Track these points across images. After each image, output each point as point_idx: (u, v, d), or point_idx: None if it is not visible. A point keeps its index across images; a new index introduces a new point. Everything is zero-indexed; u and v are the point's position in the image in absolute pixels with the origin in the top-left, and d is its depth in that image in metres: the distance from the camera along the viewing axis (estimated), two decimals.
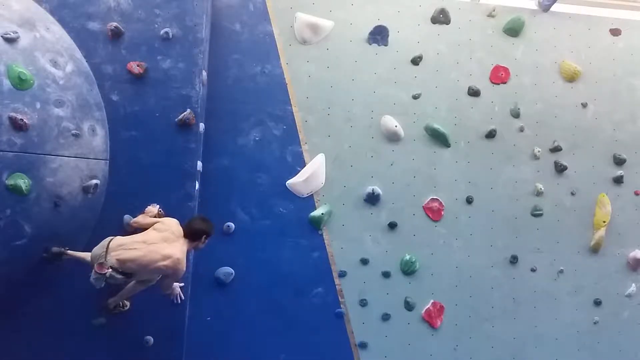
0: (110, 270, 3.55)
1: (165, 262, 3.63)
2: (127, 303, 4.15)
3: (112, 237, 3.70)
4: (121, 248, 3.62)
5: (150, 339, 4.17)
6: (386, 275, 4.89)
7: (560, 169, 5.26)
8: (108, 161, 4.10)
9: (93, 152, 3.98)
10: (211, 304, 4.56)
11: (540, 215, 5.21)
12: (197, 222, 3.91)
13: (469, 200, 5.08)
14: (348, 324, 4.80)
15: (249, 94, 4.77)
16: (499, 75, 5.21)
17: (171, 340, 4.23)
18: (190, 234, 3.83)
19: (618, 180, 5.38)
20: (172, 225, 3.83)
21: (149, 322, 4.18)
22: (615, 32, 5.49)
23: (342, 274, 4.81)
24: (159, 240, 3.71)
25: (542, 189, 5.21)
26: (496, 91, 5.20)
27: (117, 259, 3.57)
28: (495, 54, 5.22)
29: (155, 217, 4.04)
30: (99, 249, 3.65)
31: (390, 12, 5.05)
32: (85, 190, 3.92)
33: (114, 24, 4.17)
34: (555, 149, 5.26)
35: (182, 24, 4.31)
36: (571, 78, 5.35)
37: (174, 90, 4.28)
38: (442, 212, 5.04)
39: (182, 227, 3.84)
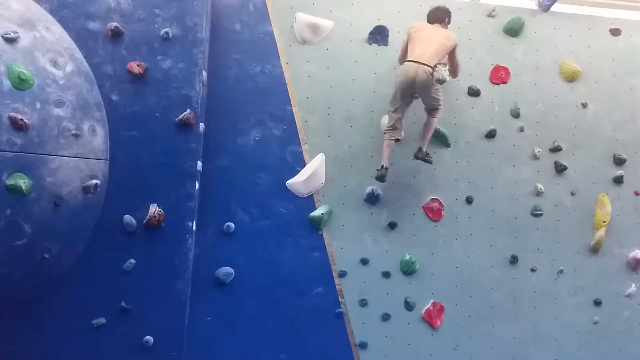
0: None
1: (451, 42, 4.56)
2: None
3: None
4: (420, 56, 4.38)
5: (150, 339, 4.17)
6: (386, 275, 4.90)
7: (560, 169, 5.26)
8: (108, 161, 4.10)
9: (93, 152, 3.98)
10: (211, 304, 4.55)
11: (540, 215, 5.21)
12: (434, 10, 4.72)
13: (469, 200, 5.08)
14: (348, 324, 4.80)
15: (249, 94, 4.77)
16: (499, 75, 5.21)
17: (171, 340, 4.23)
18: (435, 19, 4.67)
19: (618, 180, 5.38)
20: (420, 24, 4.64)
21: (149, 322, 4.18)
22: (615, 32, 5.49)
23: (342, 274, 4.81)
24: (425, 35, 4.52)
25: (542, 189, 5.21)
26: (496, 91, 5.20)
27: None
28: (495, 54, 5.22)
29: None
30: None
31: (390, 12, 5.06)
32: (85, 190, 3.92)
33: (114, 24, 4.17)
34: (555, 149, 5.26)
35: (182, 24, 4.32)
36: (571, 78, 5.35)
37: (174, 90, 4.29)
38: (442, 212, 5.04)
39: (428, 17, 4.70)
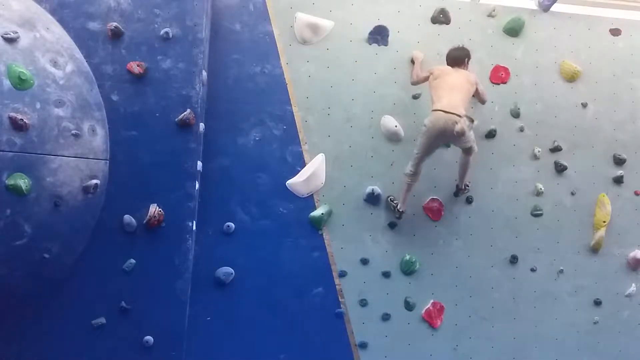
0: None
1: (473, 85, 4.64)
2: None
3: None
4: (448, 105, 4.39)
5: (150, 339, 4.17)
6: (386, 275, 4.90)
7: (560, 169, 5.26)
8: (108, 161, 4.10)
9: (93, 152, 3.98)
10: (211, 304, 4.55)
11: (540, 215, 5.21)
12: (454, 52, 4.75)
13: (469, 200, 5.08)
14: (348, 324, 4.80)
15: (249, 94, 4.77)
16: (499, 75, 5.21)
17: (171, 340, 4.23)
18: (455, 62, 4.69)
19: (618, 180, 5.38)
20: (442, 69, 4.66)
21: (149, 322, 4.18)
22: (615, 32, 5.49)
23: (342, 274, 4.81)
24: (450, 81, 4.54)
25: (542, 189, 5.21)
26: (496, 91, 5.20)
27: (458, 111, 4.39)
28: (495, 54, 5.22)
29: None
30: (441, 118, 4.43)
31: (390, 12, 5.05)
32: (85, 190, 3.92)
33: (114, 24, 4.17)
34: (555, 149, 5.26)
35: (182, 24, 4.31)
36: (571, 78, 5.35)
37: (174, 90, 4.28)
38: (442, 212, 5.04)
39: (448, 60, 4.73)
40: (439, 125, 4.44)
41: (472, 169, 4.82)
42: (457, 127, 4.36)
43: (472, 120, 4.53)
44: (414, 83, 4.86)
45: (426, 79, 4.73)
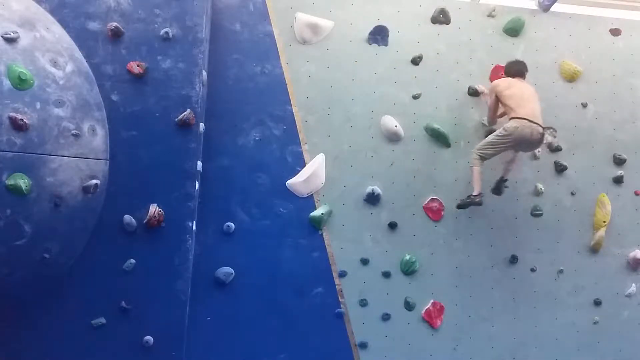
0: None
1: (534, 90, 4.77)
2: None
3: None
4: (533, 115, 4.50)
5: (150, 339, 4.17)
6: (386, 275, 4.90)
7: (560, 169, 5.26)
8: (108, 161, 4.09)
9: (93, 152, 3.98)
10: (211, 304, 4.55)
11: (540, 215, 5.21)
12: (516, 65, 4.88)
13: None
14: (348, 324, 4.80)
15: (249, 94, 4.77)
16: (499, 75, 5.19)
17: (171, 340, 4.23)
18: (518, 74, 4.83)
19: (618, 180, 5.38)
20: (508, 80, 4.77)
21: (149, 322, 4.18)
22: (615, 32, 5.49)
23: (342, 274, 4.81)
24: (524, 91, 4.67)
25: (542, 189, 5.21)
26: None
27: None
28: (495, 54, 5.22)
29: None
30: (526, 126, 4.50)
31: (390, 12, 5.05)
32: (85, 190, 3.92)
33: (114, 24, 4.17)
34: (555, 149, 5.26)
35: (182, 24, 4.31)
36: (571, 78, 5.35)
37: (174, 90, 4.28)
38: (442, 212, 5.04)
39: (511, 72, 4.85)
40: (524, 133, 4.50)
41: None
42: (548, 139, 4.58)
43: (554, 132, 4.66)
44: (493, 120, 4.91)
45: (496, 100, 4.78)
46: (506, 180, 4.95)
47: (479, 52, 5.18)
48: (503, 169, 4.96)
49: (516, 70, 4.87)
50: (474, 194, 4.74)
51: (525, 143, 4.61)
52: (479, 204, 4.77)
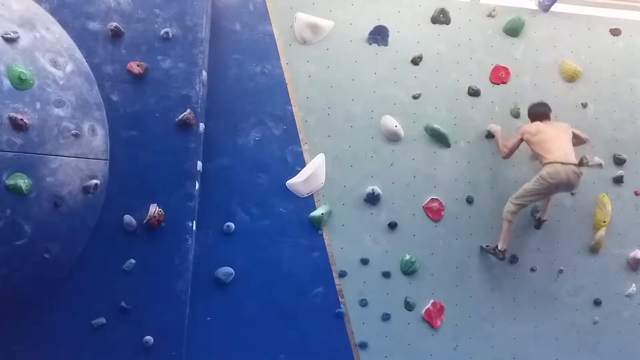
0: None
1: (569, 129, 4.82)
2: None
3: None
4: (565, 157, 4.54)
5: (150, 339, 4.17)
6: (386, 275, 4.89)
7: None
8: (108, 161, 4.10)
9: (93, 152, 3.98)
10: (211, 304, 4.55)
11: None
12: (539, 108, 4.87)
13: (469, 200, 5.08)
14: (348, 324, 4.80)
15: (249, 94, 4.77)
16: (499, 75, 5.21)
17: (171, 340, 4.23)
18: (543, 117, 4.82)
19: (618, 180, 5.38)
20: (535, 125, 4.77)
21: (149, 322, 4.19)
22: (615, 32, 5.49)
23: (342, 274, 4.81)
24: (552, 133, 4.68)
25: None
26: (496, 91, 5.20)
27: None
28: (495, 54, 5.22)
29: None
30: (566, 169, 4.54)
31: (390, 12, 5.05)
32: (85, 190, 3.92)
33: (114, 24, 4.17)
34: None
35: (182, 24, 4.31)
36: (571, 78, 5.35)
37: (174, 90, 4.28)
38: (442, 212, 5.04)
39: (534, 116, 4.84)
40: (560, 177, 4.54)
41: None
42: (590, 165, 4.62)
43: (588, 158, 4.65)
44: (507, 155, 4.93)
45: (519, 142, 4.82)
46: (545, 220, 5.07)
47: (479, 52, 5.18)
48: (541, 209, 5.07)
49: (540, 113, 4.85)
50: (500, 248, 4.83)
51: (562, 186, 4.65)
52: (502, 259, 4.88)
